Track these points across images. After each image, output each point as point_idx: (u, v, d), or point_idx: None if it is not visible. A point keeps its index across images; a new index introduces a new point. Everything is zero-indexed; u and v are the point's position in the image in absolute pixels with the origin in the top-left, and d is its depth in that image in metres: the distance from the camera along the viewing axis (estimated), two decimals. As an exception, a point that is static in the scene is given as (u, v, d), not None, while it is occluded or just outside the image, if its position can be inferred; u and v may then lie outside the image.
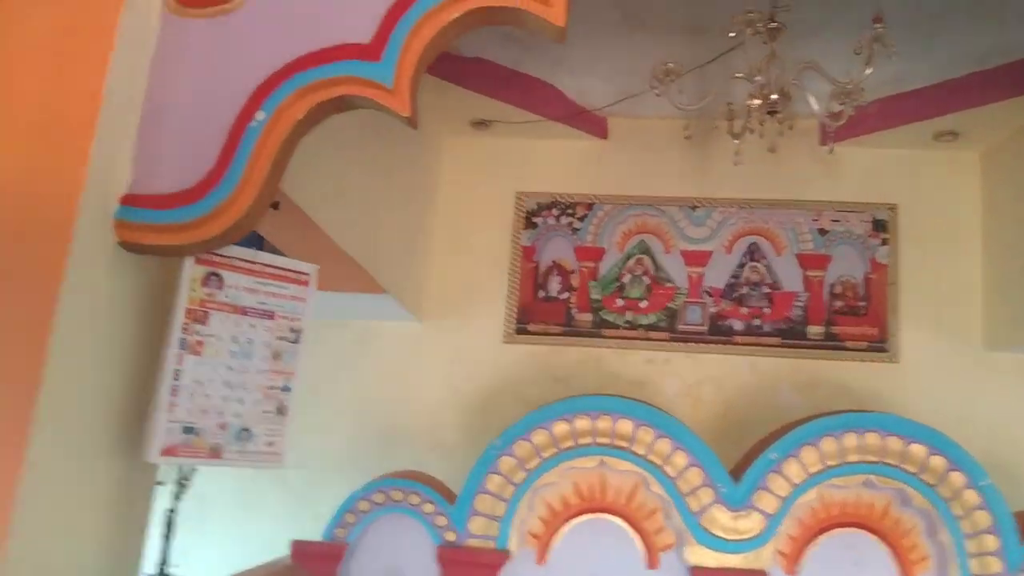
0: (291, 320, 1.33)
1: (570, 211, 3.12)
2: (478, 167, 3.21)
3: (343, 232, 2.17)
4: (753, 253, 3.01)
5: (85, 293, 1.11)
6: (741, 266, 3.00)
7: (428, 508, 2.16)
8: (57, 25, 1.15)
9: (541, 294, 3.07)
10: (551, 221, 3.13)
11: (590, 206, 3.12)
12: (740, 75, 2.18)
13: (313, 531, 2.23)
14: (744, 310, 2.96)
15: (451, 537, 2.14)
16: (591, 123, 3.09)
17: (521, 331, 3.05)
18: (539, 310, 3.06)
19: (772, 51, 2.16)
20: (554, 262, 3.09)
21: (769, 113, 2.15)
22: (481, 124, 3.08)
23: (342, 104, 1.20)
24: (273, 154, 1.17)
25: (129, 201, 1.17)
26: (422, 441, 2.99)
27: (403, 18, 1.17)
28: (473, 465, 2.17)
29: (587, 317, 3.03)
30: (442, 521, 2.15)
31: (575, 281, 3.06)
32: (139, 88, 1.20)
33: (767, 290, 2.97)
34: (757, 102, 2.11)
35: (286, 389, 1.32)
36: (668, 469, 2.13)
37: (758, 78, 2.11)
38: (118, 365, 1.19)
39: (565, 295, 3.05)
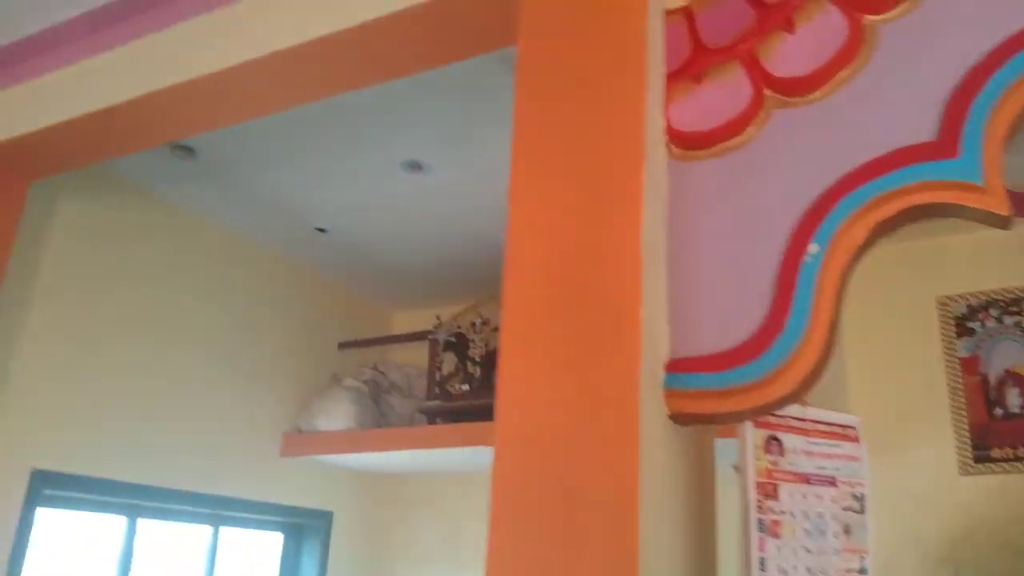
0: (852, 485, 1.11)
1: (1014, 308, 2.63)
2: (883, 277, 2.85)
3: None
4: None
5: (655, 478, 0.97)
6: None
7: None
8: (582, 190, 1.09)
9: (998, 412, 2.56)
10: (991, 324, 2.65)
11: (1043, 299, 2.61)
12: None
13: None
14: None
15: None
16: (1020, 204, 2.63)
17: (981, 458, 2.55)
18: (999, 431, 2.55)
19: None
20: (1007, 371, 2.58)
21: None
22: (880, 229, 2.75)
23: (908, 216, 1.00)
24: (836, 290, 0.99)
25: (675, 367, 1.05)
26: (884, 601, 2.55)
27: (976, 101, 0.97)
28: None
29: (1072, 433, 2.46)
30: None
31: (1042, 391, 2.53)
32: (662, 242, 1.10)
33: None
34: None
35: (863, 571, 1.08)
36: None
37: None
38: (686, 555, 1.03)
39: (1033, 409, 2.52)
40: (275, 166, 2.51)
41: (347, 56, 1.71)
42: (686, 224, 1.12)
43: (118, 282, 2.46)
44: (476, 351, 2.83)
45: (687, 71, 1.18)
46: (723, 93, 1.15)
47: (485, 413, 2.74)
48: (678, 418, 1.04)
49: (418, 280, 3.33)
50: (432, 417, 2.86)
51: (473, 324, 2.86)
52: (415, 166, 2.50)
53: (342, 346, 3.29)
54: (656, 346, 1.04)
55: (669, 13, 1.23)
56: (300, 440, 2.92)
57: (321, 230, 2.90)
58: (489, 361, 2.84)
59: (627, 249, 1.03)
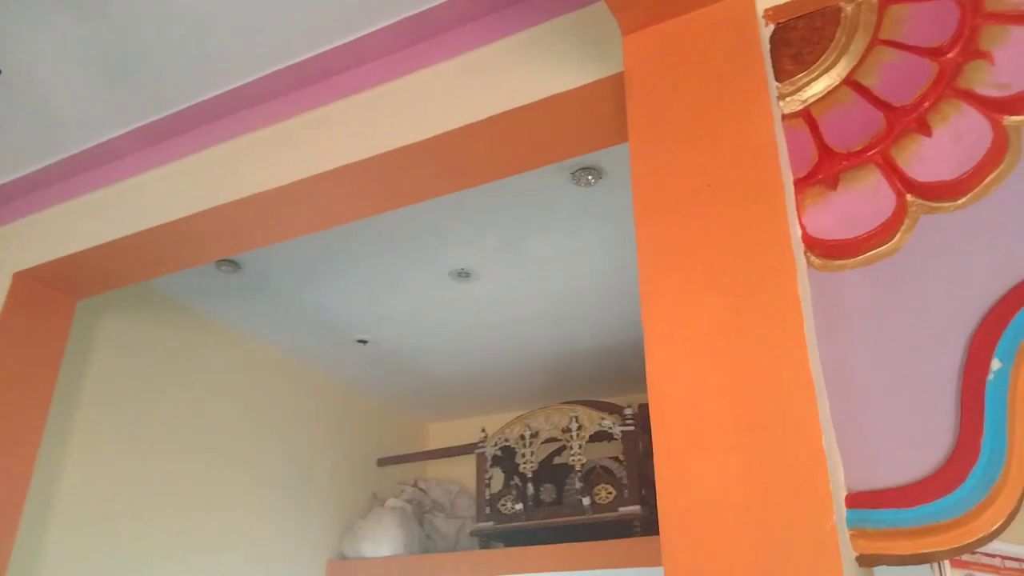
0: (1045, 625, 0.98)
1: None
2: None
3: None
4: None
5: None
6: None
7: None
8: (728, 308, 1.01)
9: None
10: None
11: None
12: None
13: None
14: None
15: None
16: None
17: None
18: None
19: None
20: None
21: None
22: None
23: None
24: (1030, 409, 0.90)
25: (857, 502, 0.94)
26: None
27: None
28: None
29: None
30: None
31: None
32: (818, 359, 1.01)
33: None
34: None
35: None
36: None
37: None
38: None
39: None
40: (319, 278, 2.44)
41: (420, 169, 1.66)
42: (835, 338, 1.04)
43: (158, 405, 2.35)
44: (527, 466, 2.69)
45: (816, 176, 1.12)
46: (863, 199, 1.08)
47: (542, 536, 2.60)
48: (866, 560, 0.93)
49: (456, 391, 3.22)
50: (485, 540, 2.69)
51: (522, 437, 2.74)
52: (463, 275, 2.43)
53: (381, 462, 3.14)
54: (836, 481, 0.94)
55: (787, 117, 1.18)
56: (345, 567, 2.74)
57: (363, 342, 2.81)
58: (539, 476, 2.71)
59: (796, 372, 0.94)
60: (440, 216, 2.16)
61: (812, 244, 1.09)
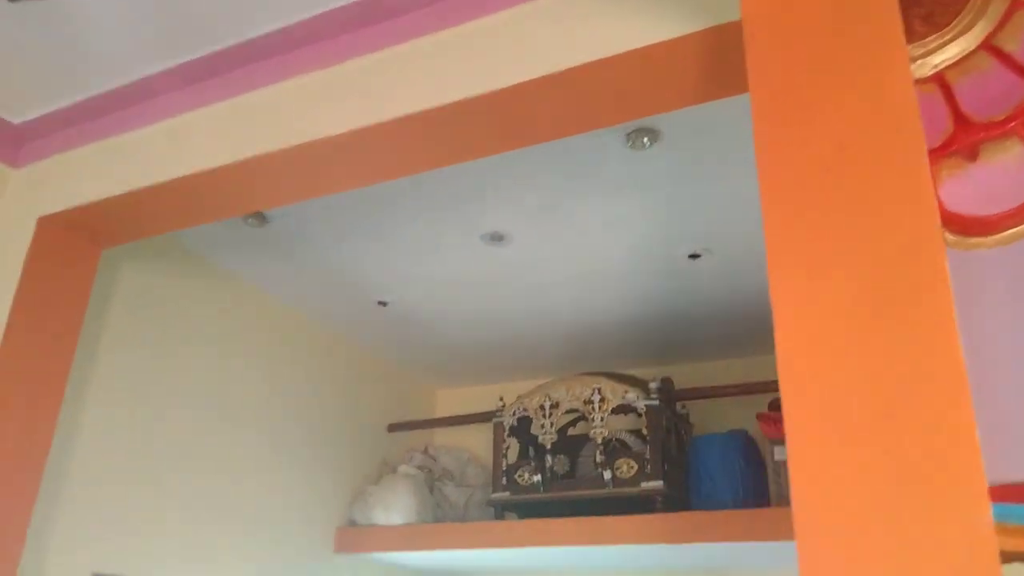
0: None
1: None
2: None
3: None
4: None
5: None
6: None
7: None
8: (867, 289, 0.94)
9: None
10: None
11: None
12: None
13: None
14: None
15: None
16: None
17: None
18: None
19: None
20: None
21: None
22: None
23: None
24: None
25: (997, 496, 0.88)
26: None
27: None
28: None
29: None
30: None
31: None
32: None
33: None
34: None
35: None
36: None
37: None
38: None
39: None
40: (348, 236, 2.35)
41: (483, 124, 1.56)
42: (971, 322, 0.97)
43: (172, 363, 2.25)
44: (546, 437, 2.63)
45: (952, 147, 1.05)
46: (1005, 173, 1.01)
47: (556, 508, 2.54)
48: (1005, 557, 0.87)
49: (470, 357, 3.14)
50: (500, 511, 2.64)
51: (542, 407, 2.67)
52: (496, 238, 2.35)
53: (391, 428, 3.07)
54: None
55: (918, 82, 1.10)
56: (356, 534, 2.67)
57: (383, 304, 2.72)
58: (556, 448, 2.65)
59: (946, 354, 0.87)
60: (482, 175, 2.06)
61: (948, 219, 1.02)
